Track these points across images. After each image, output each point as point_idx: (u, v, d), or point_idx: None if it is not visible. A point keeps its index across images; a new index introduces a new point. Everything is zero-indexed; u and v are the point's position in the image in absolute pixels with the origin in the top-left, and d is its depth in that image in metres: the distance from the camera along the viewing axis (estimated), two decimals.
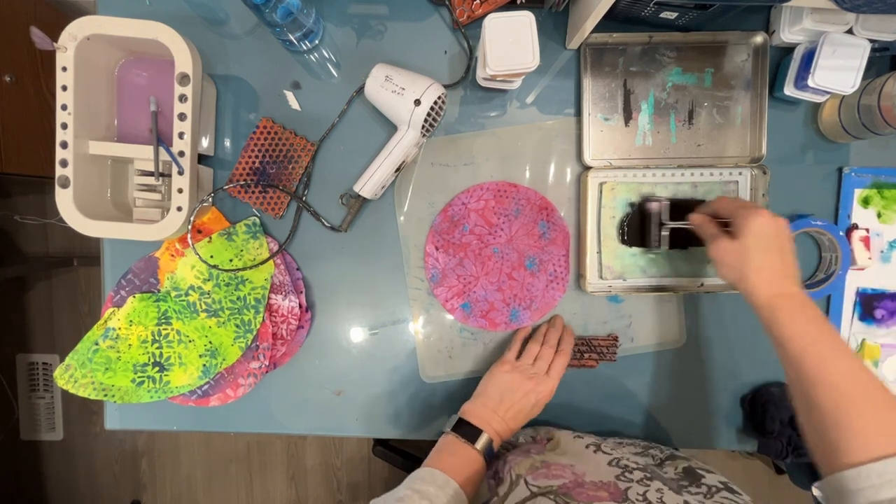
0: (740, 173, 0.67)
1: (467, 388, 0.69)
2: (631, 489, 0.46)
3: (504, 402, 0.60)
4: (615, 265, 0.68)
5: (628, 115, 0.67)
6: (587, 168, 0.67)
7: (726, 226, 0.58)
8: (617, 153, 0.67)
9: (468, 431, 0.57)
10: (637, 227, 0.66)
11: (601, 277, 0.68)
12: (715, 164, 0.67)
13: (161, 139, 0.61)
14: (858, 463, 0.42)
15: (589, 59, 0.66)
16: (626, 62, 0.66)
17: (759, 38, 0.65)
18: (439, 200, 0.69)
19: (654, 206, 0.65)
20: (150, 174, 0.62)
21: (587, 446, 0.57)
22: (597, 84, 0.67)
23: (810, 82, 0.59)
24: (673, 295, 0.69)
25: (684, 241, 0.66)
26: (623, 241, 0.67)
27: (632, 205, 0.67)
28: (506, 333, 0.70)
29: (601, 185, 0.67)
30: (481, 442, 0.56)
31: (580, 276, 0.68)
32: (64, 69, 0.56)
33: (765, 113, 0.66)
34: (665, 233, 0.64)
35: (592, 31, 0.62)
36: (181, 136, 0.58)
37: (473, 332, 0.70)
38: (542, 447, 0.60)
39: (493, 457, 0.58)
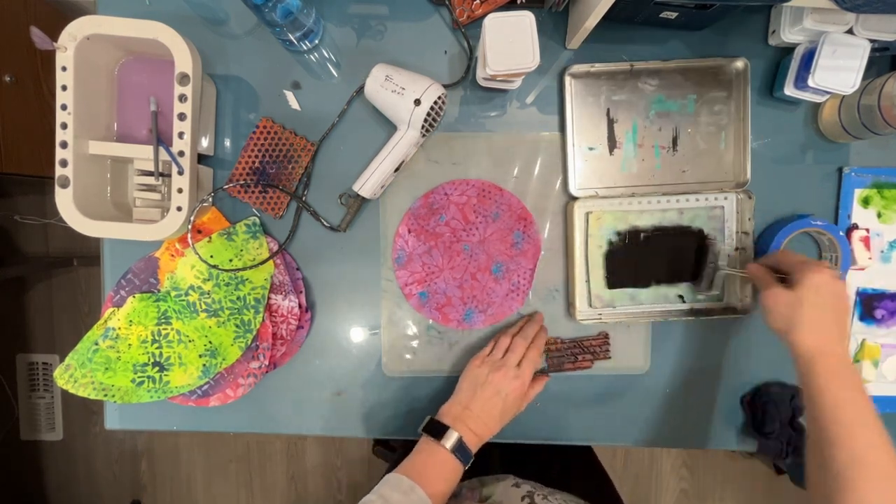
0: (726, 198, 0.67)
1: None
2: None
3: (476, 398, 0.58)
4: (604, 294, 0.68)
5: (613, 144, 0.67)
6: (573, 198, 0.67)
7: (783, 280, 0.57)
8: (602, 182, 0.67)
9: (436, 430, 0.56)
10: (627, 263, 0.67)
11: (591, 306, 0.68)
12: (700, 189, 0.67)
13: (161, 139, 0.61)
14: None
15: (572, 89, 0.66)
16: (608, 91, 0.66)
17: (739, 64, 0.65)
18: (422, 194, 0.68)
19: (714, 244, 0.64)
20: (150, 174, 0.62)
21: (522, 497, 0.57)
22: (580, 114, 0.67)
23: (810, 82, 0.59)
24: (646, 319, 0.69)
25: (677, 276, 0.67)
26: (609, 283, 0.68)
27: (616, 236, 0.67)
28: (472, 332, 0.69)
29: (587, 214, 0.67)
30: (450, 441, 0.55)
31: (570, 304, 0.69)
32: (64, 69, 0.56)
33: (748, 137, 0.66)
34: (718, 279, 0.64)
35: (574, 62, 0.65)
36: (181, 135, 0.58)
37: (441, 330, 0.69)
38: (475, 501, 0.59)
39: (470, 457, 0.56)
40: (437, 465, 0.54)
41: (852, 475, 0.44)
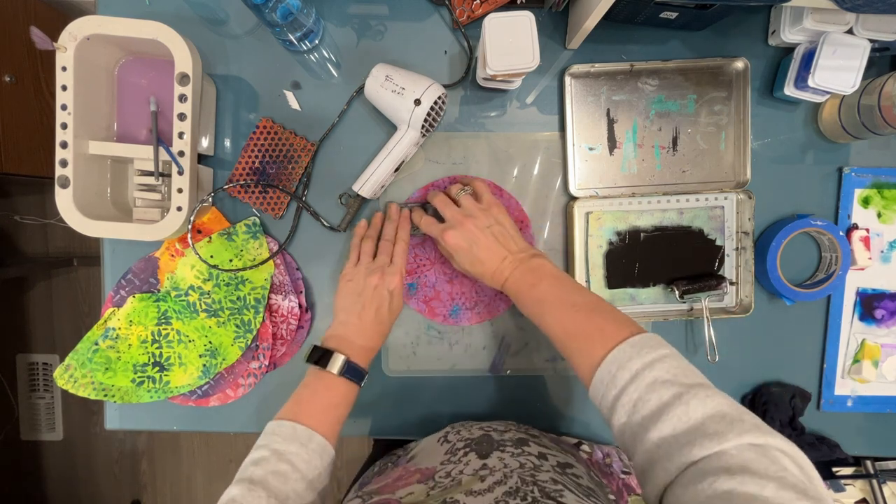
0: (726, 198, 0.67)
1: (473, 386, 0.69)
2: (441, 470, 0.47)
3: (358, 308, 0.57)
4: (604, 294, 0.68)
5: (613, 144, 0.67)
6: (573, 198, 0.67)
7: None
8: (602, 182, 0.67)
9: (322, 357, 0.54)
10: None
11: None
12: (700, 189, 0.67)
13: (161, 139, 0.61)
14: (588, 383, 0.45)
15: (572, 89, 0.66)
16: (608, 91, 0.66)
17: (739, 64, 0.65)
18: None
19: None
20: (150, 174, 0.62)
21: (438, 439, 0.57)
22: (580, 114, 0.67)
23: (810, 82, 0.59)
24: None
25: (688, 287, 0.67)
26: (609, 283, 0.68)
27: (616, 236, 0.67)
28: (472, 332, 0.69)
29: (587, 214, 0.67)
30: (336, 365, 0.53)
31: None
32: (64, 69, 0.56)
33: (748, 137, 0.66)
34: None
35: (573, 62, 0.65)
36: (181, 135, 0.58)
37: (441, 330, 0.69)
38: (405, 461, 0.58)
39: (362, 374, 0.55)
40: (329, 396, 0.53)
41: (570, 346, 0.49)
